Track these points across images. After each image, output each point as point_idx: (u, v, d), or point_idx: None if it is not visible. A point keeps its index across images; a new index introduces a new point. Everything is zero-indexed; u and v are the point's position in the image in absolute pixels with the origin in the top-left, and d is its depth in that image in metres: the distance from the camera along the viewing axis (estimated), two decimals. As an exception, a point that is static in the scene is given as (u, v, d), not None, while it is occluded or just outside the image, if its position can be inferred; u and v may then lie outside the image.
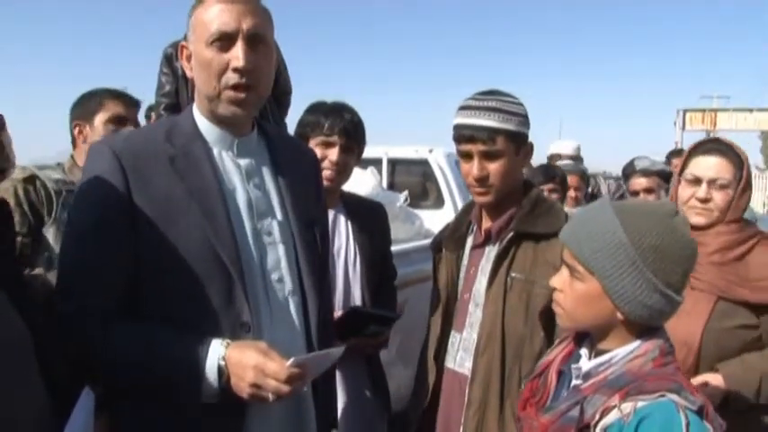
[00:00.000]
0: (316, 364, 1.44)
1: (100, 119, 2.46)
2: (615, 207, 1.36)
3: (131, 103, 2.57)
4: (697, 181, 2.04)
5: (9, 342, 1.14)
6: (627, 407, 1.23)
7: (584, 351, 1.46)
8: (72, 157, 2.49)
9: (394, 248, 2.62)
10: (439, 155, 5.97)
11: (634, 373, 1.29)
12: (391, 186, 6.01)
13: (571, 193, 4.09)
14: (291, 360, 1.33)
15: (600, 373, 1.35)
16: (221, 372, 1.36)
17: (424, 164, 6.11)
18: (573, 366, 1.43)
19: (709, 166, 2.03)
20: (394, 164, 6.39)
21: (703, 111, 24.61)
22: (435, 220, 4.34)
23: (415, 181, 6.26)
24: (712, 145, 2.08)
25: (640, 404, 1.22)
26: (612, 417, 1.24)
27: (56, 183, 2.33)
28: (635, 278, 1.30)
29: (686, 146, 3.78)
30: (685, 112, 24.24)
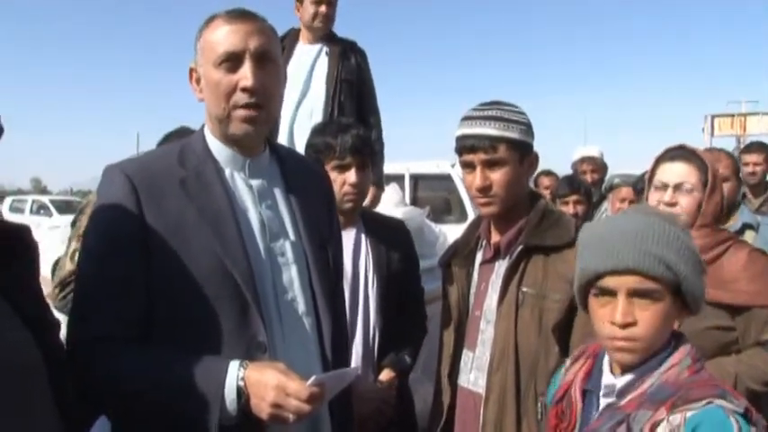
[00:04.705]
0: (333, 384, 1.42)
1: None
2: (654, 213, 1.40)
3: None
4: (664, 187, 2.15)
5: (20, 366, 1.14)
6: (676, 418, 1.20)
7: (606, 367, 1.42)
8: None
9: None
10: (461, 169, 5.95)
11: (672, 383, 1.27)
12: (414, 202, 6.02)
13: (624, 206, 3.91)
14: (312, 379, 1.32)
15: (636, 387, 1.31)
16: (240, 393, 1.34)
17: (446, 179, 6.11)
18: (605, 384, 1.39)
19: (674, 172, 2.15)
20: (416, 179, 6.40)
21: (732, 116, 24.21)
22: (459, 234, 4.31)
23: (438, 196, 6.25)
24: (677, 152, 2.20)
25: (689, 414, 1.20)
26: (663, 430, 1.21)
27: None
28: (700, 275, 1.36)
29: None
30: (714, 117, 23.87)
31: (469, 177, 1.88)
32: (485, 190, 1.84)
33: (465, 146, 1.85)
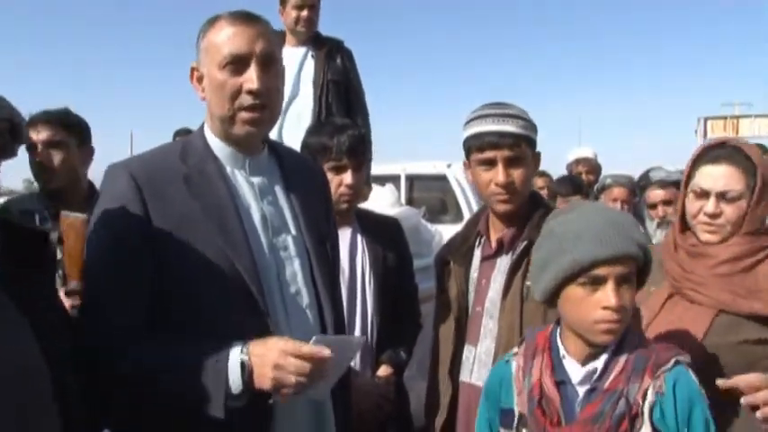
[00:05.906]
0: (338, 350, 1.42)
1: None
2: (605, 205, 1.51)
3: (53, 123, 2.44)
4: (705, 194, 1.82)
5: (21, 368, 1.16)
6: (657, 381, 1.41)
7: (565, 355, 1.50)
8: None
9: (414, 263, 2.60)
10: (457, 170, 5.97)
11: (642, 353, 1.45)
12: (410, 202, 6.03)
13: (616, 206, 3.79)
14: (314, 338, 1.35)
15: (614, 366, 1.45)
16: (244, 366, 1.36)
17: (442, 179, 6.13)
18: (587, 369, 1.47)
19: (716, 177, 1.81)
20: (412, 180, 6.42)
21: (725, 118, 24.24)
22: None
23: (434, 196, 6.27)
24: (720, 151, 1.84)
25: (666, 374, 1.41)
26: (651, 395, 1.40)
27: None
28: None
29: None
30: (706, 119, 23.89)
31: (488, 175, 1.87)
32: (507, 186, 1.84)
33: (488, 142, 1.84)
